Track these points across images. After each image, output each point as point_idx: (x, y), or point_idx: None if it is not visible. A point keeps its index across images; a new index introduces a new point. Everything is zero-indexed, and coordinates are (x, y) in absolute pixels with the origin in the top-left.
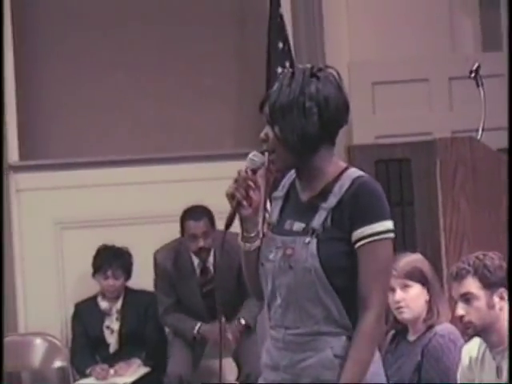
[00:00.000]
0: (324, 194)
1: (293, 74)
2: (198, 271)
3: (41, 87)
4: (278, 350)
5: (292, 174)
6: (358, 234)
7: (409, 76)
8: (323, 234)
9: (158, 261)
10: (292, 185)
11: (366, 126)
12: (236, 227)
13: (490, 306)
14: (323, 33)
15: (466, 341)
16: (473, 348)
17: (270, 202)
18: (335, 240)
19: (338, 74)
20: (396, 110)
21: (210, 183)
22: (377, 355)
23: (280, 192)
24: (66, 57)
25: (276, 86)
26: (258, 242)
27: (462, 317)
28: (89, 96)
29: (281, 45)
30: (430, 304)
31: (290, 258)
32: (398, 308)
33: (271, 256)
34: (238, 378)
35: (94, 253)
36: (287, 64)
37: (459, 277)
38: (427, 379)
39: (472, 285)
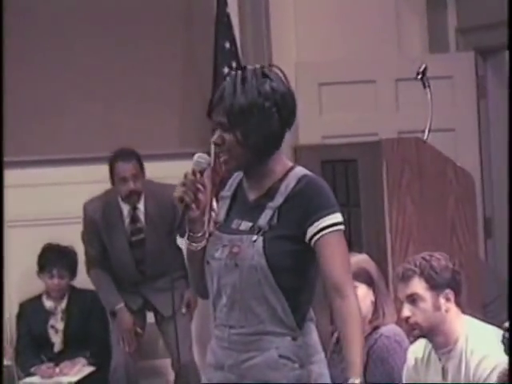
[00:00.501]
0: (271, 193)
1: (243, 75)
2: (127, 220)
3: None
4: (223, 349)
5: (239, 173)
6: (313, 228)
7: (355, 77)
8: (270, 233)
9: (87, 212)
10: (239, 184)
11: (312, 126)
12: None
13: (436, 308)
14: (270, 33)
15: (412, 342)
16: (419, 349)
17: (217, 201)
18: (282, 238)
19: (283, 72)
20: (343, 110)
21: None
22: (321, 356)
23: (227, 191)
24: (10, 55)
25: (229, 90)
26: (204, 242)
27: (407, 318)
28: (35, 96)
29: (227, 45)
30: (376, 305)
31: (236, 256)
32: None
33: (217, 254)
34: (172, 365)
35: (39, 251)
36: (234, 64)
37: (405, 278)
38: (372, 380)
39: (418, 285)
